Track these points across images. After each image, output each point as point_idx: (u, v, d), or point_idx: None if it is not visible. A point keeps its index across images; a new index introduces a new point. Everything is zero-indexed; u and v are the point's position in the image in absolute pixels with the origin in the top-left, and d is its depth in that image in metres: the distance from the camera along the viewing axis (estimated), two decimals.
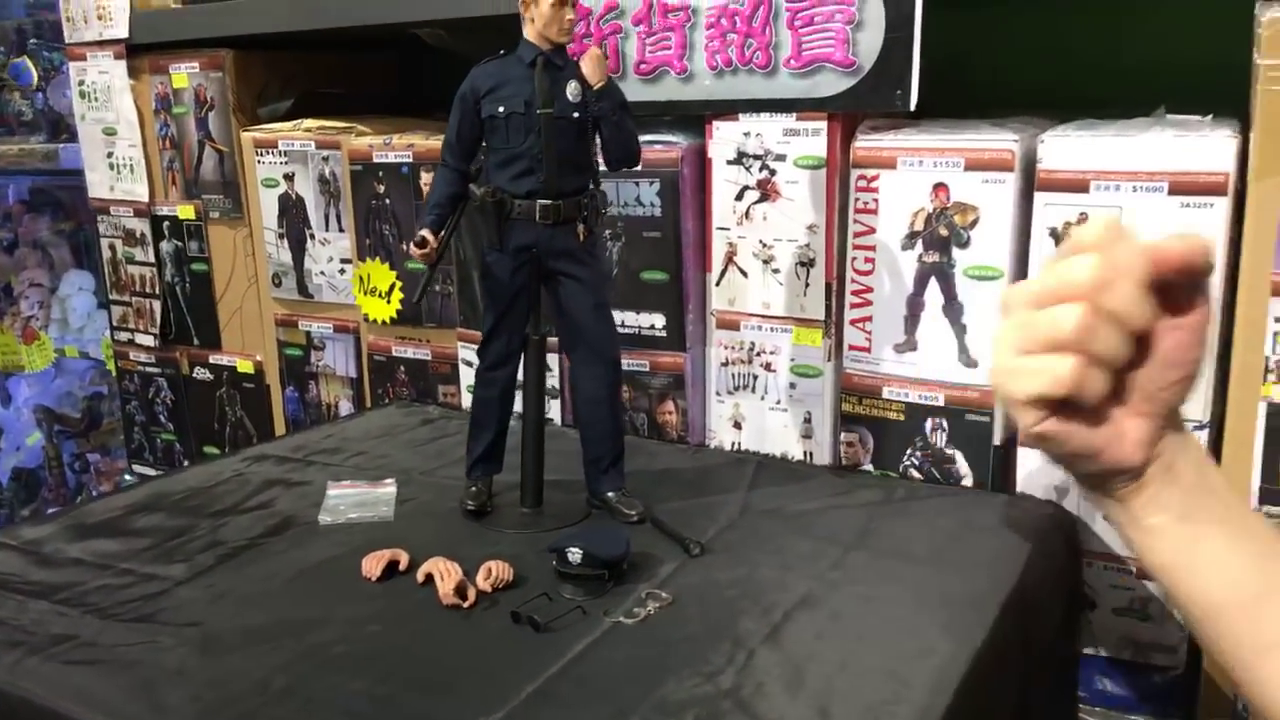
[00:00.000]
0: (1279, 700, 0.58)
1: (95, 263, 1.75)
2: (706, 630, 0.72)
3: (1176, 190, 0.85)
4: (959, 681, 0.66)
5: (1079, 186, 0.88)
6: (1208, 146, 0.84)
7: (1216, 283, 0.85)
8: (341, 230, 1.35)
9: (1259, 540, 0.60)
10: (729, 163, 1.05)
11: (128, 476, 1.76)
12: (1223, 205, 0.84)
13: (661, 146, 1.08)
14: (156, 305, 1.57)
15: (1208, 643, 0.62)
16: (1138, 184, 0.86)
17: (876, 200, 0.98)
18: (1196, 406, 0.87)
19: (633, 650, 0.70)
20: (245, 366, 1.50)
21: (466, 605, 0.76)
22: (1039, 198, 0.91)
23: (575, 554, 0.77)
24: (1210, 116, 0.91)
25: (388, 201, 1.29)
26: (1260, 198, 0.81)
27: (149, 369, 1.62)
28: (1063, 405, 0.54)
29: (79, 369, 2.28)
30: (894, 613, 0.74)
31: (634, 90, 1.07)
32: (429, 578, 0.79)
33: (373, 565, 0.81)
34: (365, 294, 1.33)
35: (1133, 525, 0.60)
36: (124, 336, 1.64)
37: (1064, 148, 0.89)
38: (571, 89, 0.84)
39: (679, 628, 0.73)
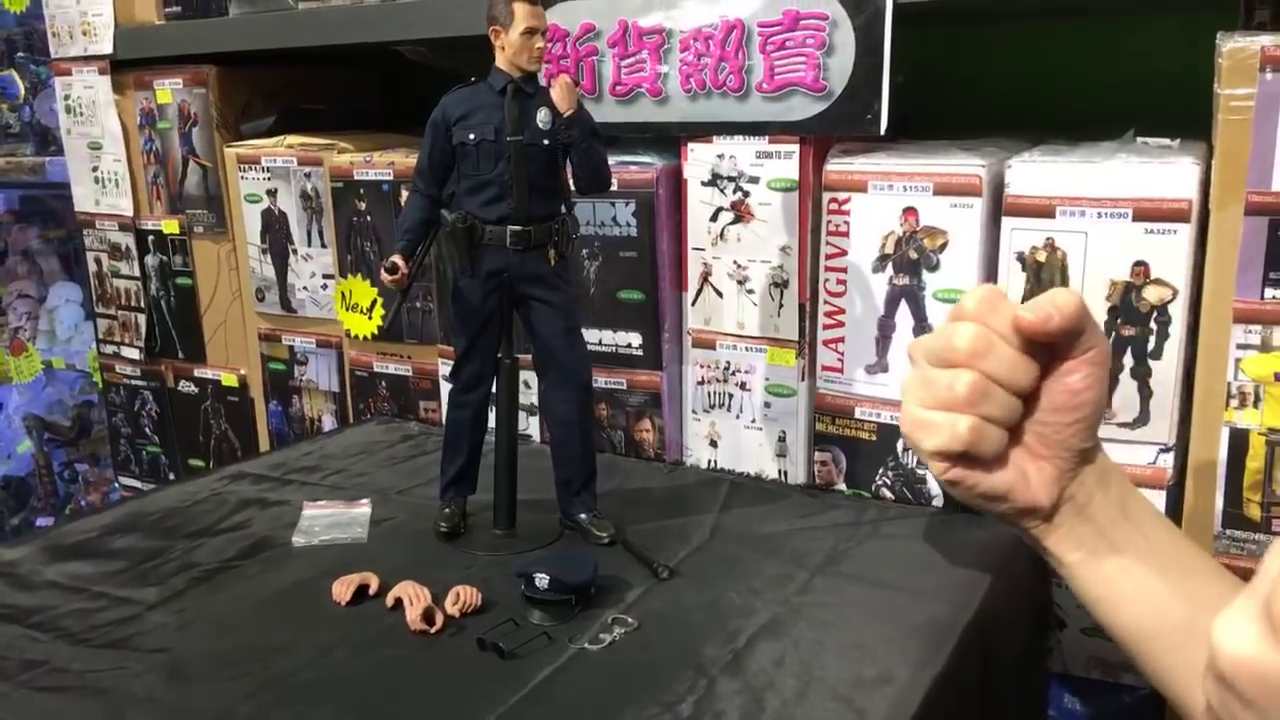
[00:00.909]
0: None
1: (84, 272, 1.75)
2: (670, 657, 0.73)
3: (1140, 216, 0.85)
4: (916, 708, 0.67)
5: (1045, 212, 0.89)
6: (1171, 173, 0.85)
7: (1179, 309, 0.86)
8: (324, 246, 1.35)
9: (1186, 569, 0.62)
10: (704, 184, 1.06)
11: (117, 486, 1.77)
12: (1186, 231, 0.85)
13: (637, 167, 1.09)
14: (141, 319, 1.57)
15: (1142, 668, 0.63)
16: (1102, 210, 0.87)
17: (848, 223, 0.99)
18: (1161, 431, 0.88)
19: (596, 678, 0.71)
20: (229, 380, 1.51)
21: (434, 631, 0.77)
22: (1006, 222, 0.91)
23: (542, 579, 0.78)
24: (1178, 141, 0.92)
25: (369, 218, 1.30)
26: (1221, 225, 0.82)
27: (134, 382, 1.63)
28: (964, 455, 0.59)
29: (69, 377, 2.28)
30: (856, 639, 0.75)
31: (610, 112, 1.08)
32: (398, 602, 0.80)
33: (343, 589, 0.82)
34: (347, 310, 1.33)
35: (1055, 562, 0.63)
36: (110, 349, 1.65)
37: (1030, 173, 0.90)
38: (542, 116, 0.85)
39: (643, 654, 0.73)
